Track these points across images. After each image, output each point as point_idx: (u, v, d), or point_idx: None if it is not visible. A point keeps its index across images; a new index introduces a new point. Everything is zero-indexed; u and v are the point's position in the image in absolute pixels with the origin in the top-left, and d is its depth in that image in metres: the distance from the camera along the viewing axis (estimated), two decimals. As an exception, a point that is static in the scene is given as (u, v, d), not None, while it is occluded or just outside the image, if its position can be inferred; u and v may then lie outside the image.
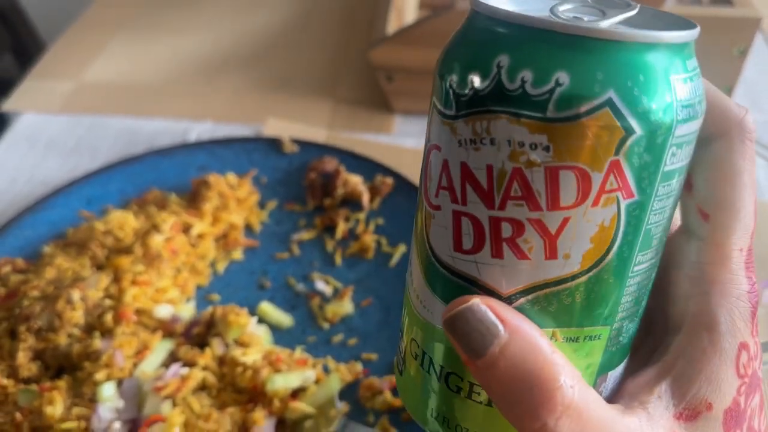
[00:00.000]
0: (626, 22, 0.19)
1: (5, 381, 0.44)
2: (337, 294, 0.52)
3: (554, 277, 0.19)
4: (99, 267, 0.51)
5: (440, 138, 0.20)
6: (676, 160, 0.19)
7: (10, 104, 0.75)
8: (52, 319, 0.46)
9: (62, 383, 0.43)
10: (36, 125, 0.72)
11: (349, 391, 0.46)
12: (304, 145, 0.62)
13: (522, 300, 0.20)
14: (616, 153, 0.18)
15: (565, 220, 0.19)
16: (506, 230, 0.19)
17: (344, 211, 0.57)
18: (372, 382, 0.45)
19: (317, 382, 0.45)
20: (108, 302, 0.48)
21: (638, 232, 0.19)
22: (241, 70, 0.79)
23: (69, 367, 0.46)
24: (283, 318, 0.50)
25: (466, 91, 0.19)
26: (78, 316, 0.46)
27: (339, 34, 0.85)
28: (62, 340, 0.46)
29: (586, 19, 0.19)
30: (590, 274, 0.19)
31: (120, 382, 0.43)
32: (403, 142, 0.67)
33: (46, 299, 0.47)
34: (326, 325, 0.50)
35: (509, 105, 0.18)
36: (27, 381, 0.45)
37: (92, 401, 0.42)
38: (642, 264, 0.20)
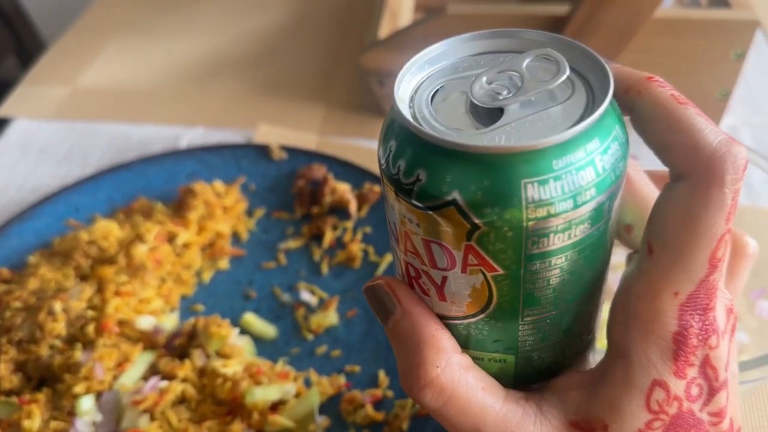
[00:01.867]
0: (528, 105, 0.20)
1: (-14, 393, 0.44)
2: (322, 304, 0.51)
3: (449, 314, 0.22)
4: (83, 277, 0.51)
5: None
6: (544, 245, 0.20)
7: (4, 110, 0.75)
8: (34, 330, 0.46)
9: (41, 396, 0.43)
10: (29, 131, 0.72)
11: (330, 404, 0.45)
12: (293, 152, 0.62)
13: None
14: (468, 240, 0.20)
15: (444, 278, 0.21)
16: (411, 271, 0.22)
17: (332, 220, 0.57)
18: (354, 396, 0.45)
19: (297, 395, 0.44)
20: (90, 313, 0.47)
21: (516, 296, 0.21)
22: (233, 75, 0.79)
23: (50, 379, 0.46)
24: (267, 329, 0.50)
25: (378, 157, 0.21)
26: (59, 327, 0.46)
27: (332, 39, 0.85)
28: (44, 351, 0.46)
29: (501, 96, 0.20)
30: (477, 318, 0.22)
31: (99, 395, 0.43)
32: (396, 147, 0.67)
33: (28, 310, 0.47)
34: (310, 337, 0.49)
35: (392, 184, 0.20)
36: (8, 393, 0.45)
37: (71, 414, 0.42)
38: (535, 315, 0.22)
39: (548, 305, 0.21)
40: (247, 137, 0.68)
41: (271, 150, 0.62)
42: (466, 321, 0.22)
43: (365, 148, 0.66)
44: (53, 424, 0.42)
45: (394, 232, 0.22)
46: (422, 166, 0.19)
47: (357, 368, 0.47)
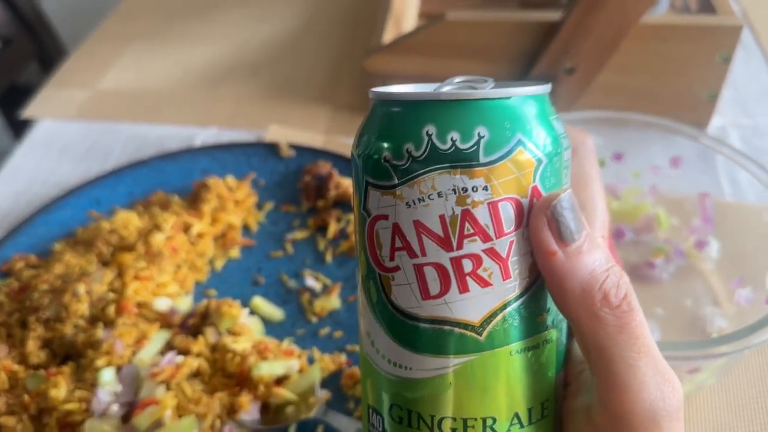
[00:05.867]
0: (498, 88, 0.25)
1: (16, 367, 0.48)
2: (326, 290, 0.55)
3: (513, 295, 0.23)
4: (104, 263, 0.54)
5: (385, 207, 0.24)
6: (568, 180, 0.25)
7: (30, 111, 0.79)
8: (60, 310, 0.50)
9: (67, 369, 0.47)
10: (52, 131, 0.76)
11: (332, 380, 0.49)
12: (300, 150, 0.65)
13: (492, 323, 0.24)
14: (534, 180, 0.23)
15: (511, 243, 0.23)
16: (467, 265, 0.23)
17: (336, 212, 0.60)
18: (354, 372, 0.48)
19: (300, 371, 0.48)
20: (111, 295, 0.51)
21: None
22: (245, 79, 0.83)
23: (74, 355, 0.49)
24: (275, 312, 0.54)
25: (404, 161, 0.23)
26: (83, 308, 0.50)
27: (338, 44, 0.89)
28: (68, 329, 0.49)
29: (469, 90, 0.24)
30: (536, 284, 0.24)
31: (119, 369, 0.47)
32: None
33: (54, 292, 0.51)
34: (314, 319, 0.53)
35: (447, 161, 0.22)
36: (36, 367, 0.49)
37: (93, 385, 0.46)
38: None
39: None
40: (258, 137, 0.72)
41: (279, 148, 0.66)
42: (527, 294, 0.24)
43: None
44: (77, 393, 0.45)
45: (445, 228, 0.23)
46: (480, 123, 0.22)
47: (357, 347, 0.51)
